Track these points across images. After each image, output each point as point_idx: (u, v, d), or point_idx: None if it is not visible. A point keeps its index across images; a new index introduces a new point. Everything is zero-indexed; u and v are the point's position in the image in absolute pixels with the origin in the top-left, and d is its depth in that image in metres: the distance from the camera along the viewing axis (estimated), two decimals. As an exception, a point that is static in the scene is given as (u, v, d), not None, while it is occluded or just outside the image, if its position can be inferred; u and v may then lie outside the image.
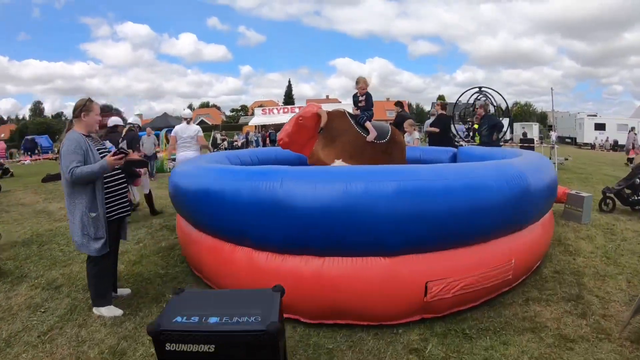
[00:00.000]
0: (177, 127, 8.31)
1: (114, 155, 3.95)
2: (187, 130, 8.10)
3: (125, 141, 7.71)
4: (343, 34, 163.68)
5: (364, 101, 6.03)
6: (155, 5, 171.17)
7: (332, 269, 3.58)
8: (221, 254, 4.18)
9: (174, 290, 2.85)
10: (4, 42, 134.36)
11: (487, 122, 9.75)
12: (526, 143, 16.66)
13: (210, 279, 4.57)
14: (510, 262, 4.00)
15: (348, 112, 5.96)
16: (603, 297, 4.28)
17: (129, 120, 9.19)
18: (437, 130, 9.65)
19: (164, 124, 33.58)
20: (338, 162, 5.52)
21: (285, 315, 3.54)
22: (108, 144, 4.42)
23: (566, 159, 16.86)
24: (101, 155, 4.01)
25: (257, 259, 3.87)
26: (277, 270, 3.72)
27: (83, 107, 3.94)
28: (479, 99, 18.26)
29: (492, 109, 17.64)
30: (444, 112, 10.37)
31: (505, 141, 18.64)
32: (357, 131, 5.77)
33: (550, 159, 16.46)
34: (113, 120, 8.25)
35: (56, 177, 16.98)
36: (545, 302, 4.19)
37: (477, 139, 14.55)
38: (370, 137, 5.76)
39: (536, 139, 29.24)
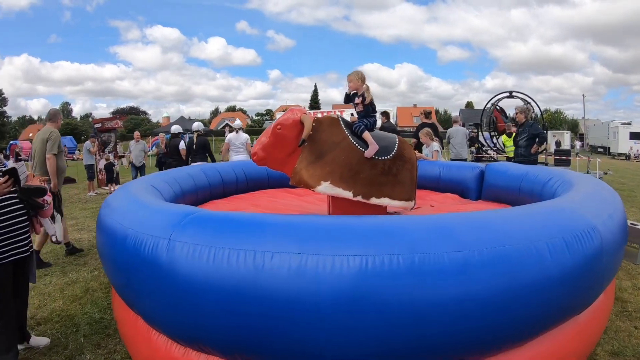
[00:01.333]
0: (230, 136, 9.76)
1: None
2: (239, 138, 9.54)
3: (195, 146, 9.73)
4: (372, 39, 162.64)
5: (360, 104, 4.54)
6: (185, 9, 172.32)
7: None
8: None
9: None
10: (36, 44, 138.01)
11: (527, 130, 8.13)
12: (563, 155, 14.90)
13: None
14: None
15: (343, 119, 4.55)
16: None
17: (193, 127, 10.14)
18: (415, 140, 9.08)
19: (182, 127, 33.19)
20: (325, 186, 4.17)
21: None
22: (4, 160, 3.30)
23: (605, 173, 15.14)
24: None
25: (156, 343, 2.72)
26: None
27: None
28: (495, 105, 16.79)
29: (536, 112, 16.12)
30: (427, 120, 9.75)
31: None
32: (353, 144, 4.32)
33: (588, 172, 14.92)
34: (175, 129, 10.61)
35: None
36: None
37: (508, 149, 12.95)
38: (369, 153, 4.31)
39: (569, 148, 27.40)
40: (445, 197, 6.40)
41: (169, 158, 10.59)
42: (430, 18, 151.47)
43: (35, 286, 5.17)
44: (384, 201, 4.40)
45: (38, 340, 3.79)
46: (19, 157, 23.73)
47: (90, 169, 14.36)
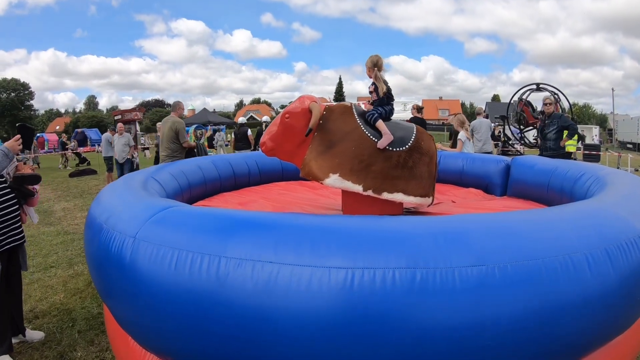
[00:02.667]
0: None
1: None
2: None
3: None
4: (398, 31, 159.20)
5: (374, 91, 4.19)
6: (210, 2, 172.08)
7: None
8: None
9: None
10: (62, 38, 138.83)
11: (557, 122, 7.68)
12: (592, 150, 14.21)
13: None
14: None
15: (357, 107, 4.21)
16: None
17: (239, 121, 14.48)
18: None
19: (203, 119, 33.25)
20: (333, 178, 3.86)
21: None
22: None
23: (637, 170, 14.48)
24: None
25: (133, 347, 2.49)
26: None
27: None
28: (523, 99, 16.15)
29: (565, 106, 15.47)
30: (419, 115, 9.68)
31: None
32: (365, 134, 3.97)
33: (618, 168, 14.30)
34: (241, 120, 14.82)
35: (85, 173, 16.94)
36: None
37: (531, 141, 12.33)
38: (382, 143, 3.95)
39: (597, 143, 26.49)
40: (468, 192, 6.05)
41: (238, 142, 13.15)
42: (458, 10, 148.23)
43: (40, 278, 5.13)
44: (397, 196, 4.03)
45: (32, 334, 3.74)
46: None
47: (109, 160, 14.25)
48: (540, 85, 15.69)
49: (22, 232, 3.55)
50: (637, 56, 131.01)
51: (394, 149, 3.99)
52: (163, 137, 7.17)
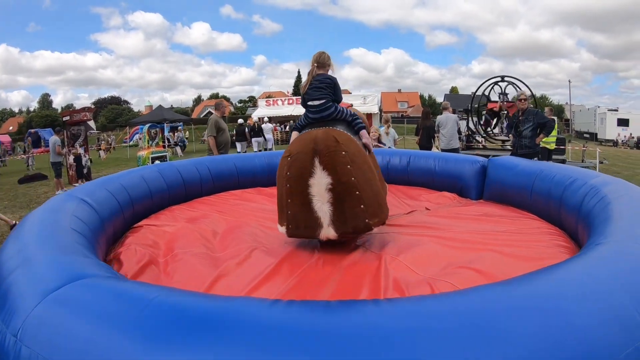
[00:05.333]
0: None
1: None
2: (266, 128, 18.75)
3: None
4: (360, 24, 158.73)
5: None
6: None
7: None
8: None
9: None
10: (14, 33, 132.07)
11: (532, 118, 7.29)
12: (561, 145, 14.02)
13: None
14: None
15: None
16: None
17: (239, 122, 19.62)
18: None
19: (159, 117, 29.19)
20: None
21: None
22: None
23: (601, 162, 14.44)
24: None
25: None
26: None
27: None
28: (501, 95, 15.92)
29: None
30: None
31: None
32: None
33: (583, 161, 14.23)
34: (240, 121, 19.73)
35: (34, 178, 15.60)
36: None
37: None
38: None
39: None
40: (441, 196, 5.57)
41: (239, 136, 17.82)
42: (420, 2, 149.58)
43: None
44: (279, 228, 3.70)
45: None
46: None
47: (56, 166, 13.25)
48: (506, 78, 15.46)
49: None
50: (593, 49, 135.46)
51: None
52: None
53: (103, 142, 28.44)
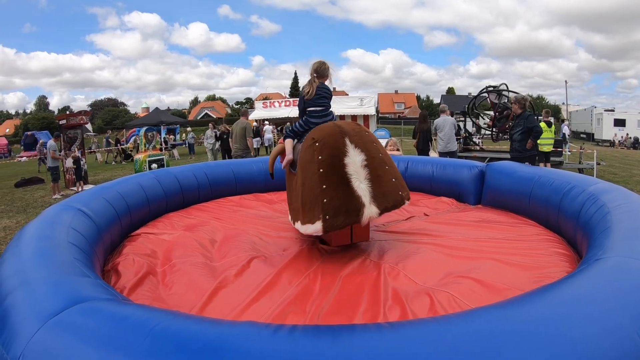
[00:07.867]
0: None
1: None
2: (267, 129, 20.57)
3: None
4: (358, 24, 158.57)
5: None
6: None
7: None
8: None
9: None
10: (10, 34, 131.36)
11: (522, 123, 7.26)
12: (558, 147, 13.99)
13: None
14: None
15: None
16: None
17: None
18: None
19: (155, 120, 28.70)
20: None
21: None
22: None
23: (598, 164, 14.45)
24: None
25: None
26: None
27: None
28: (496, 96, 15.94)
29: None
30: None
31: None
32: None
33: (580, 162, 14.23)
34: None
35: (31, 182, 15.48)
36: None
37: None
38: (283, 164, 4.11)
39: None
40: (439, 202, 5.58)
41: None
42: (418, 3, 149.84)
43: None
44: (298, 227, 3.58)
45: None
46: None
47: (54, 170, 13.19)
48: (489, 89, 15.50)
49: None
50: (591, 49, 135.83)
51: (294, 171, 3.78)
52: (236, 136, 9.60)
53: (94, 144, 28.00)
